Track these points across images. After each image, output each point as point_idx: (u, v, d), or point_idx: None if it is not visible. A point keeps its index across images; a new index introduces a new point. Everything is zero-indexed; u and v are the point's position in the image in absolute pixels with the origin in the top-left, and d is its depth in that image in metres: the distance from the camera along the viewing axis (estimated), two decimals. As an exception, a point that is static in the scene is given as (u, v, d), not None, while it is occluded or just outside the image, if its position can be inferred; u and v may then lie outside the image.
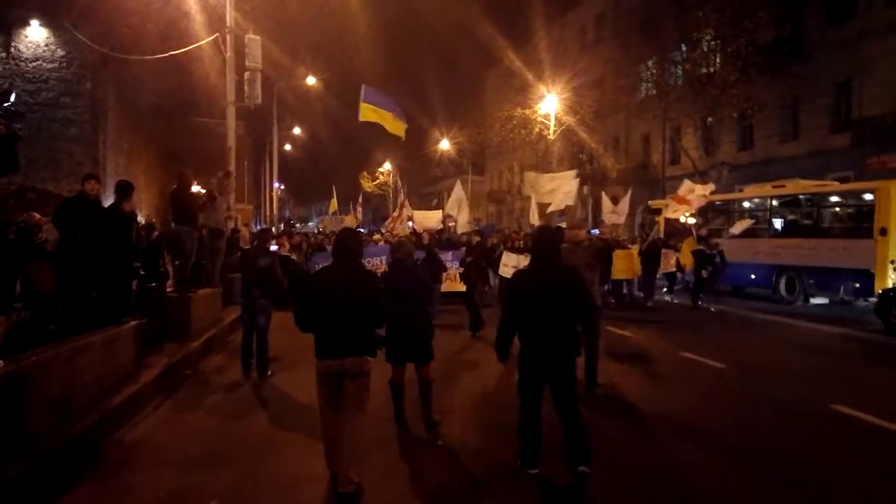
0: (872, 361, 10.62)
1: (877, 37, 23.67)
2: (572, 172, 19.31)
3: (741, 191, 23.32)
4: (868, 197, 16.28)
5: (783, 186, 19.39)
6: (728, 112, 27.51)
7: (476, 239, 14.72)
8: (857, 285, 15.82)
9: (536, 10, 36.84)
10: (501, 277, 16.31)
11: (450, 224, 19.49)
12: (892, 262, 14.95)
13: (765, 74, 24.89)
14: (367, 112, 15.69)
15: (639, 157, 37.74)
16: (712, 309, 16.29)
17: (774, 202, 19.24)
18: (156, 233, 12.28)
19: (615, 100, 33.95)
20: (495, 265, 16.12)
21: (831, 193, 18.24)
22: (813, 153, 26.51)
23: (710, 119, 28.56)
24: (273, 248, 10.18)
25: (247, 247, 12.39)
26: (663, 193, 30.79)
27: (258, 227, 32.75)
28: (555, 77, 33.25)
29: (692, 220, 19.04)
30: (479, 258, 13.58)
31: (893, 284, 14.27)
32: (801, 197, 18.66)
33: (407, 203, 21.31)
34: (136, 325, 8.34)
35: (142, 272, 10.20)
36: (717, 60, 26.70)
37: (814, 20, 26.23)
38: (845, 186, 19.13)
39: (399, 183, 17.50)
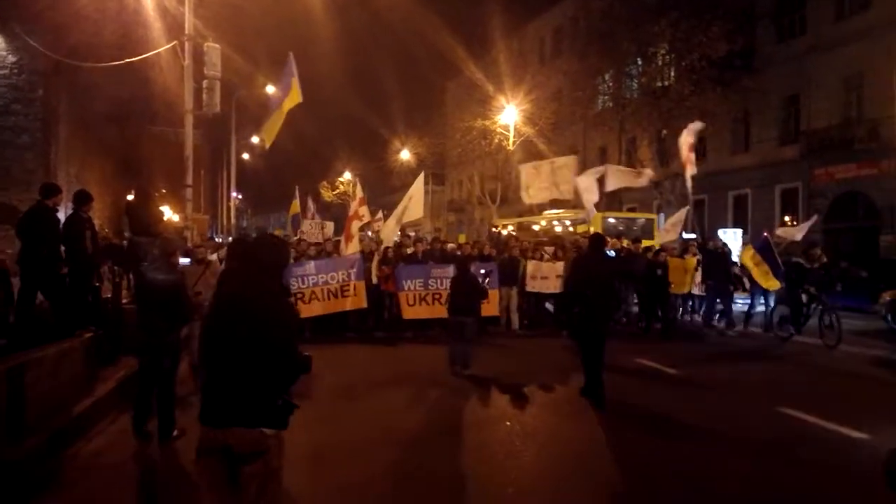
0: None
1: (824, 52, 24.52)
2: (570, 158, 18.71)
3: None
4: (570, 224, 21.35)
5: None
6: (682, 124, 28.04)
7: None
8: None
9: (496, 22, 37.15)
10: (531, 295, 14.63)
11: (409, 233, 18.13)
12: None
13: (717, 88, 25.53)
14: (271, 131, 14.64)
15: (596, 169, 38.22)
16: (827, 344, 12.17)
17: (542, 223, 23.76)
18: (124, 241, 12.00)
19: (573, 111, 34.35)
20: (520, 282, 14.28)
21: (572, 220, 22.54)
22: (763, 164, 27.32)
23: (664, 131, 29.12)
24: (184, 260, 8.17)
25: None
26: (620, 204, 31.31)
27: (216, 238, 32.27)
28: (514, 88, 33.57)
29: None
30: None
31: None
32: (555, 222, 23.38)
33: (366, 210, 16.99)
34: (91, 338, 8.18)
35: (97, 283, 9.99)
36: (672, 74, 27.29)
37: (765, 35, 27.08)
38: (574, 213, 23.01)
39: (359, 188, 14.42)
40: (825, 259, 13.46)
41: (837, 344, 11.91)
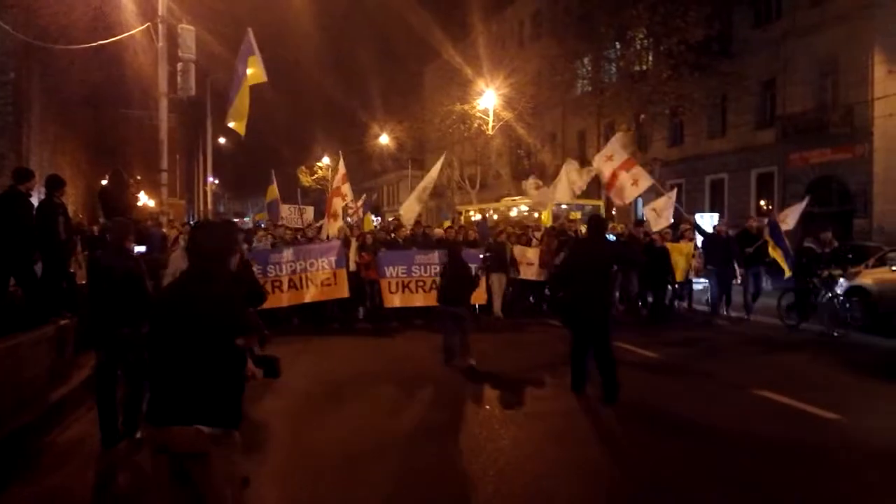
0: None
1: (799, 37, 24.69)
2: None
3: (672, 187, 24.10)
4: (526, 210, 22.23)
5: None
6: (660, 109, 28.22)
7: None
8: None
9: (474, 5, 37.05)
10: (515, 283, 14.24)
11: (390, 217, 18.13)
12: None
13: (695, 72, 25.64)
14: (241, 115, 13.23)
15: (575, 153, 38.36)
16: (835, 333, 11.50)
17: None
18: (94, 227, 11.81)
19: (552, 96, 34.38)
20: (507, 268, 13.84)
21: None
22: (740, 149, 27.57)
23: (642, 116, 29.24)
24: (139, 249, 7.95)
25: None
26: (599, 189, 31.38)
27: (191, 223, 31.94)
28: (493, 73, 33.48)
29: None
30: None
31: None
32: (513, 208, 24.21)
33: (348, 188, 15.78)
34: (66, 325, 8.09)
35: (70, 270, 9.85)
36: (650, 58, 27.35)
37: (741, 20, 27.23)
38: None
39: (341, 163, 13.52)
40: (836, 243, 12.80)
41: (845, 334, 11.33)
